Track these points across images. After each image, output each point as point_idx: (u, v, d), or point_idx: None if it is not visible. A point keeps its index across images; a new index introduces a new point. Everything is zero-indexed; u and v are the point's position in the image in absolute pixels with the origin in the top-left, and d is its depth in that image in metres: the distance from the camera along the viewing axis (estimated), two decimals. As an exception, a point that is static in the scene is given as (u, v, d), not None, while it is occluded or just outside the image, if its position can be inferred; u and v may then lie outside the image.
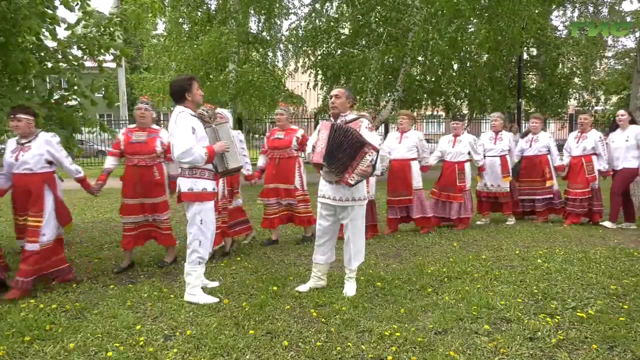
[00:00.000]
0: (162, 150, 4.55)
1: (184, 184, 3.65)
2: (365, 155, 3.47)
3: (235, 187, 5.20)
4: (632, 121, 6.37)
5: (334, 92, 3.79)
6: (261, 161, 5.65)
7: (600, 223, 6.37)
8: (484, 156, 6.67)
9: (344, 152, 3.48)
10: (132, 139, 4.51)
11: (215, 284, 4.07)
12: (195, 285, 3.68)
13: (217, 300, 3.65)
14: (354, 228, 3.74)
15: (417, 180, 6.05)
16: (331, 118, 3.82)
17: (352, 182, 3.51)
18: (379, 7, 12.27)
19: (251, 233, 5.61)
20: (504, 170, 6.56)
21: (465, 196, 6.37)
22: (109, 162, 4.65)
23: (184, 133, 3.48)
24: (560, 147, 6.98)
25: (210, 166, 3.70)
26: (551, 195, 6.75)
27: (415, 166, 6.07)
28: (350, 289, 3.80)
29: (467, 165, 6.39)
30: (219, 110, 5.26)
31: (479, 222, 6.77)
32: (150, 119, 4.60)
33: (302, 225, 5.68)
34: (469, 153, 6.40)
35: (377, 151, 3.54)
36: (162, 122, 16.53)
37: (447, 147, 6.46)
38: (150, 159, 4.49)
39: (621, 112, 6.47)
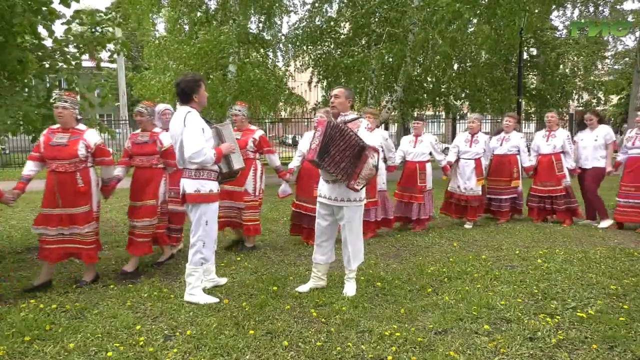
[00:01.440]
0: (87, 154, 3.99)
1: (190, 186, 3.63)
2: (367, 159, 3.49)
3: None
4: (601, 121, 6.51)
5: (334, 91, 3.81)
6: None
7: (595, 225, 6.41)
8: (459, 158, 6.60)
9: (342, 153, 3.47)
10: (53, 141, 3.93)
11: (225, 280, 4.13)
12: (196, 285, 3.68)
13: (217, 300, 3.65)
14: (350, 229, 3.73)
15: (382, 182, 5.90)
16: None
17: (359, 188, 3.53)
18: (379, 9, 12.27)
19: (178, 246, 5.23)
20: (478, 173, 6.43)
21: (426, 197, 6.26)
22: (28, 167, 4.01)
23: (195, 133, 3.48)
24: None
25: (215, 167, 3.72)
26: (515, 195, 6.75)
27: (381, 167, 5.86)
28: (350, 289, 3.80)
29: (429, 166, 6.29)
30: (162, 105, 5.12)
31: (467, 225, 6.60)
32: (71, 118, 3.96)
33: (246, 234, 5.22)
34: (430, 153, 6.31)
35: (378, 152, 3.56)
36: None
37: (409, 147, 6.34)
38: (71, 164, 3.90)
39: (588, 115, 6.59)
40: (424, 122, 6.48)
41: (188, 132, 3.48)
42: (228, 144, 3.81)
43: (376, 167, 3.55)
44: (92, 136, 4.04)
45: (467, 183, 6.48)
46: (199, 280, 3.71)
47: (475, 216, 6.61)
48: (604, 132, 6.36)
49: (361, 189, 3.57)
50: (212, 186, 3.68)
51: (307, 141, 5.38)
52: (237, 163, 3.95)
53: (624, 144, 6.29)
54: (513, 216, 6.98)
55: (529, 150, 6.90)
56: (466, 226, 6.55)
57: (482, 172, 6.49)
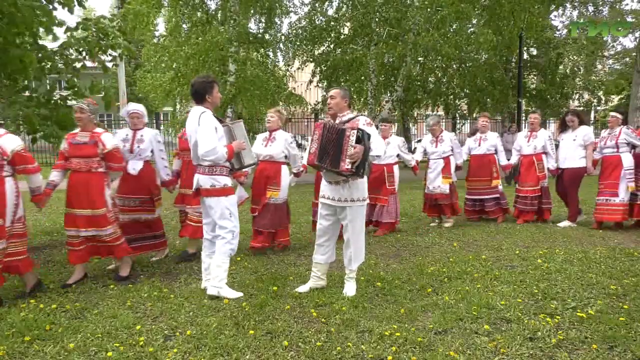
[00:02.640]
0: (2, 162, 3.59)
1: (205, 181, 3.73)
2: (348, 138, 3.44)
3: (155, 194, 4.79)
4: (582, 122, 6.60)
5: (330, 93, 3.83)
6: (176, 164, 5.16)
7: (558, 225, 6.47)
8: (428, 159, 6.58)
9: (333, 148, 3.49)
10: None
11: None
12: (223, 278, 3.74)
13: (241, 294, 3.73)
14: (353, 229, 3.74)
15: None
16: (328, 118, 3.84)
17: (349, 167, 3.43)
18: (380, 9, 12.27)
19: (165, 250, 5.07)
20: (445, 171, 6.42)
21: (391, 200, 6.10)
22: None
23: (208, 132, 3.59)
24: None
25: (227, 164, 3.80)
26: (498, 195, 6.72)
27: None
28: (350, 289, 3.80)
29: (396, 168, 6.16)
30: (132, 105, 4.82)
31: (441, 224, 6.63)
32: None
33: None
34: (398, 155, 6.20)
35: (358, 129, 3.48)
36: (162, 122, 16.50)
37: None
38: None
39: (570, 117, 6.65)
40: (391, 124, 6.39)
41: (201, 132, 3.59)
42: (238, 141, 3.86)
43: (364, 146, 3.43)
44: (9, 142, 3.61)
45: (435, 182, 6.45)
46: (226, 273, 3.77)
47: (449, 213, 6.55)
48: (583, 132, 6.44)
49: (352, 168, 3.45)
50: (226, 181, 3.79)
51: (260, 143, 5.18)
52: (249, 159, 4.05)
53: (598, 144, 6.38)
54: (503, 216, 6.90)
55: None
56: (446, 225, 6.53)
57: (449, 171, 6.43)
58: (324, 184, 3.81)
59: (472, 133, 7.04)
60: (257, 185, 5.24)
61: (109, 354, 2.77)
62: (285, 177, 5.18)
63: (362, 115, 3.84)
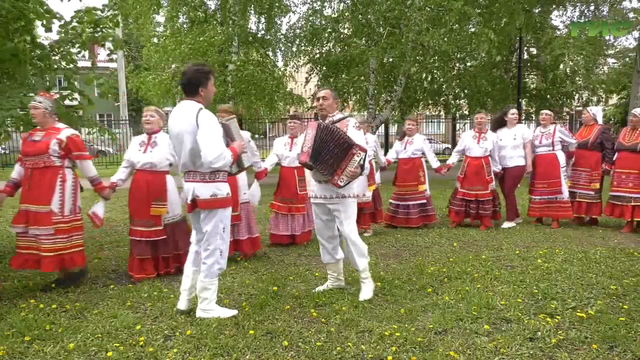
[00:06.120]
0: None
1: (205, 190, 3.23)
2: (353, 156, 3.47)
3: None
4: (519, 120, 6.66)
5: (321, 93, 3.81)
6: (15, 172, 4.06)
7: (501, 226, 6.46)
8: None
9: (331, 153, 3.49)
10: None
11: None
12: (212, 299, 3.34)
13: (236, 312, 3.37)
14: (348, 227, 3.72)
15: (243, 191, 4.91)
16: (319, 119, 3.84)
17: (342, 184, 3.50)
18: (380, 8, 12.26)
19: None
20: (370, 177, 5.68)
21: (309, 206, 5.19)
22: None
23: (215, 135, 3.14)
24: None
25: (227, 168, 3.36)
26: (424, 201, 6.41)
27: (241, 175, 4.80)
28: (366, 291, 3.73)
29: (308, 171, 5.38)
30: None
31: (366, 235, 5.99)
32: None
33: (49, 270, 3.88)
34: None
35: (365, 151, 3.52)
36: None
37: (284, 150, 5.39)
38: None
39: (513, 112, 6.59)
40: (300, 122, 5.57)
41: (207, 134, 3.11)
42: (239, 142, 3.44)
43: (362, 167, 3.49)
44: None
45: (362, 189, 5.75)
46: (215, 294, 3.36)
47: (368, 223, 6.06)
48: (522, 131, 6.47)
49: (344, 185, 3.51)
50: (228, 189, 3.35)
51: (137, 148, 4.42)
52: (247, 161, 3.75)
53: (532, 142, 6.41)
54: (424, 223, 6.52)
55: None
56: (366, 234, 5.91)
57: (373, 176, 5.81)
58: (313, 184, 3.81)
59: (401, 137, 6.68)
60: (136, 201, 4.31)
61: (109, 354, 2.78)
62: (173, 188, 4.41)
63: (351, 116, 3.85)
